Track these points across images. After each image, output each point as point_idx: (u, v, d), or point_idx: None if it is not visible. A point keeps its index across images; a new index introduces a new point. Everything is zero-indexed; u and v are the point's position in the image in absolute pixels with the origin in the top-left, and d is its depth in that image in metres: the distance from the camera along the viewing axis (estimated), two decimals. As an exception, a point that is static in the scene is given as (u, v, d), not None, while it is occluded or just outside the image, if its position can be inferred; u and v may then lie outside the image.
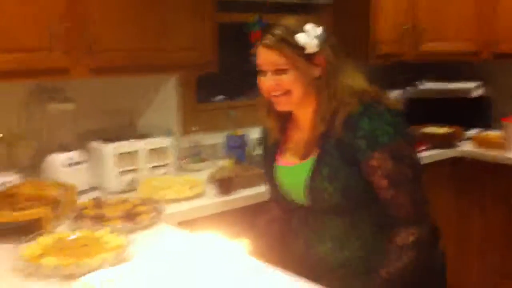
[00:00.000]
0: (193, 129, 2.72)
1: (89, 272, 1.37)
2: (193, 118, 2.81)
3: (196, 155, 2.68)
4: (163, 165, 2.36)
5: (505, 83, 3.46)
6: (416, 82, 3.45)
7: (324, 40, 1.50)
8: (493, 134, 3.19)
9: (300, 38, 1.48)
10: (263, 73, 1.53)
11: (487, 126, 3.34)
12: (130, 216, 1.79)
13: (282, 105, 1.56)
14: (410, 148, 1.52)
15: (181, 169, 2.55)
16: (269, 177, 1.69)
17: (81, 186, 2.14)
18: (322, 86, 1.50)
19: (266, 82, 1.52)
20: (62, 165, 2.16)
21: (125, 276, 1.25)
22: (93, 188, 2.27)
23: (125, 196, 2.04)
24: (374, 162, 1.44)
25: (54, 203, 1.81)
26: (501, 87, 3.40)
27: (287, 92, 1.51)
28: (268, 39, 1.50)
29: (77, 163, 2.20)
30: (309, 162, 1.54)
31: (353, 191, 1.49)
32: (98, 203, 1.90)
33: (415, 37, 3.21)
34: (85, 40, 2.03)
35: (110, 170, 2.22)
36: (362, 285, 1.47)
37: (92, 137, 2.33)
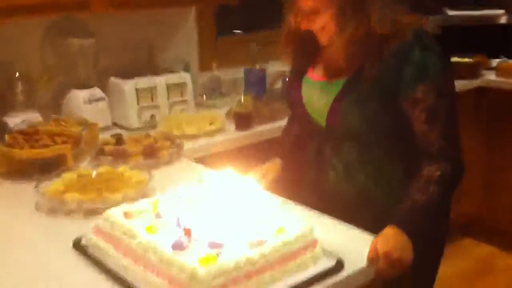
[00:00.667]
0: (213, 64, 2.69)
1: (111, 207, 1.40)
2: (212, 52, 2.79)
3: (215, 91, 2.68)
4: (182, 101, 2.37)
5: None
6: (442, 9, 3.35)
7: None
8: (519, 63, 3.11)
9: None
10: None
11: (512, 54, 3.26)
12: (151, 151, 1.81)
13: (309, 25, 1.50)
14: (452, 83, 1.50)
15: (200, 105, 2.55)
16: (295, 92, 1.65)
17: (101, 123, 2.16)
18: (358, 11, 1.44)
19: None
20: (83, 101, 2.18)
21: (147, 210, 1.28)
22: (114, 125, 2.29)
23: (145, 132, 2.06)
24: (418, 94, 1.41)
25: (76, 140, 1.84)
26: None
27: (317, 13, 1.46)
28: None
29: (98, 99, 2.21)
30: (340, 83, 1.51)
31: (378, 122, 1.47)
32: (119, 139, 1.92)
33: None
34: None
35: (130, 106, 2.23)
36: (374, 216, 1.47)
37: (112, 73, 2.33)
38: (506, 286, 2.89)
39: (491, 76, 3.12)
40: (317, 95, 1.57)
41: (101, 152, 1.84)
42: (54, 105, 2.23)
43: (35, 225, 1.44)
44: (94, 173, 1.65)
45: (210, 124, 2.18)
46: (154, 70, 2.39)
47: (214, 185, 1.36)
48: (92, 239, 1.27)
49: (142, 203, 1.32)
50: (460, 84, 2.98)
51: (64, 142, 1.78)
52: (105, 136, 2.02)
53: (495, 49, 3.27)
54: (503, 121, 3.06)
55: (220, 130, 2.18)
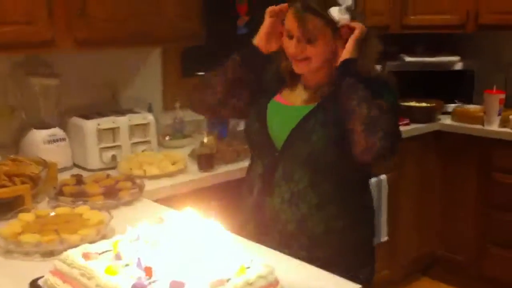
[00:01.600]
0: (176, 104, 2.70)
1: (70, 248, 1.37)
2: (176, 92, 2.80)
3: (178, 131, 2.68)
4: (145, 141, 2.36)
5: (489, 56, 3.47)
6: (399, 55, 3.45)
7: (354, 13, 1.58)
8: (473, 107, 3.22)
9: (334, 12, 1.54)
10: (291, 36, 1.59)
11: (468, 100, 3.37)
12: (111, 192, 1.79)
13: (300, 69, 1.63)
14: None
15: (162, 145, 2.55)
16: (257, 110, 1.72)
17: (62, 163, 2.14)
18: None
19: (291, 47, 1.59)
20: (43, 141, 2.15)
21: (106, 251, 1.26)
22: (74, 166, 2.27)
23: (106, 172, 2.04)
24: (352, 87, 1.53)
25: (35, 181, 1.81)
26: (485, 61, 3.42)
27: (308, 59, 1.59)
28: (303, 8, 1.55)
29: (58, 139, 2.19)
30: (308, 107, 1.62)
31: (339, 148, 1.55)
32: (78, 180, 1.90)
33: (400, 9, 3.23)
34: (71, 9, 2.02)
35: (91, 146, 2.21)
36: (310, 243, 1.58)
37: (74, 113, 2.32)
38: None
39: (447, 121, 3.21)
40: (281, 117, 1.65)
41: (60, 193, 1.81)
42: (14, 144, 2.19)
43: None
44: (52, 214, 1.62)
45: (173, 164, 2.17)
46: (117, 110, 2.39)
47: (174, 225, 1.35)
48: (49, 280, 1.23)
49: (102, 244, 1.30)
50: (418, 128, 3.08)
51: (23, 183, 1.75)
52: (64, 176, 1.99)
53: (451, 95, 3.38)
54: (459, 161, 3.15)
55: (182, 171, 2.18)
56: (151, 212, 1.76)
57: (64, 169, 2.15)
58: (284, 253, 1.45)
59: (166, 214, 1.67)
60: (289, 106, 1.68)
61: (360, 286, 1.24)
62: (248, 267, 1.18)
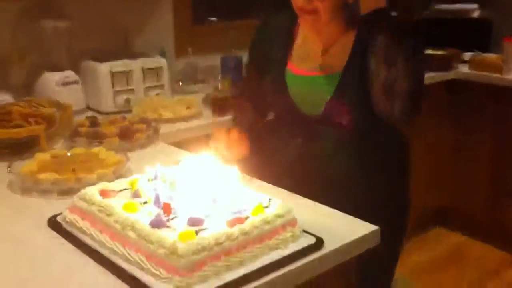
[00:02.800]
0: (189, 50, 2.67)
1: (87, 187, 1.38)
2: (188, 39, 2.76)
3: (191, 77, 2.66)
4: (158, 86, 2.34)
5: (507, 4, 3.39)
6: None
7: None
8: (491, 56, 3.16)
9: None
10: None
11: (485, 48, 3.30)
12: (126, 134, 1.79)
13: (309, 26, 1.56)
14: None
15: (176, 91, 2.53)
16: (277, 83, 1.63)
17: (75, 106, 2.12)
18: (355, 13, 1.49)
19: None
20: (56, 84, 2.14)
21: (123, 189, 1.26)
22: (88, 109, 2.26)
23: (121, 115, 2.03)
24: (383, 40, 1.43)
25: (50, 121, 1.80)
26: (503, 8, 3.33)
27: (315, 12, 1.48)
28: None
29: (72, 82, 2.18)
30: (335, 76, 1.55)
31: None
32: (94, 122, 1.89)
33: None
34: None
35: (105, 89, 2.20)
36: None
37: (87, 56, 2.30)
38: (477, 275, 2.94)
39: (464, 69, 3.16)
40: (311, 88, 1.59)
41: (76, 134, 1.80)
42: (27, 87, 2.18)
43: (8, 205, 1.41)
44: (68, 154, 1.62)
45: (187, 109, 2.16)
46: (129, 54, 2.36)
47: (191, 166, 1.35)
48: (68, 216, 1.24)
49: (119, 183, 1.30)
50: (434, 76, 3.03)
51: (37, 123, 1.75)
52: (79, 119, 1.99)
53: (468, 43, 3.32)
54: (475, 112, 3.11)
55: (197, 115, 2.17)
56: (167, 154, 1.77)
57: (78, 112, 2.14)
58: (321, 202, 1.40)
59: (182, 156, 1.68)
60: (310, 76, 1.59)
61: (376, 227, 1.24)
62: (266, 206, 1.18)
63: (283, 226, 1.15)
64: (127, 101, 2.23)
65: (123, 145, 1.74)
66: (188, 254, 1.00)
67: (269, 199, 1.20)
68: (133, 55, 2.35)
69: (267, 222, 1.12)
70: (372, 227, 1.24)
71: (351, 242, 1.19)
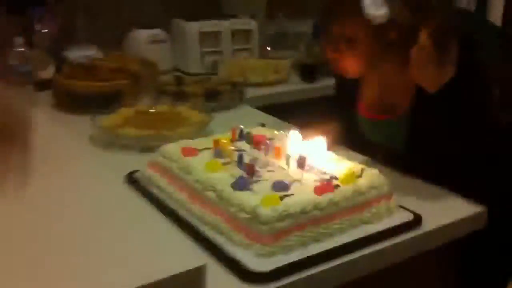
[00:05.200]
0: (280, 14, 2.56)
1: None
2: (280, 2, 2.65)
3: (281, 42, 2.55)
4: (247, 49, 2.26)
5: None
6: None
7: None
8: None
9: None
10: None
11: None
12: (211, 94, 1.72)
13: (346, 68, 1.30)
14: None
15: (264, 55, 2.43)
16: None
17: (163, 65, 2.08)
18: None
19: None
20: (145, 42, 2.10)
21: (205, 148, 1.19)
22: (174, 69, 2.21)
23: (207, 76, 1.97)
24: None
25: (136, 77, 1.76)
26: None
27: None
28: None
29: (160, 40, 2.13)
30: None
31: None
32: (179, 81, 1.84)
33: None
34: None
35: (193, 50, 2.14)
36: None
37: (177, 15, 2.24)
38: None
39: None
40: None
41: (161, 92, 1.76)
42: (116, 43, 2.16)
43: (89, 158, 1.36)
44: (152, 111, 1.57)
45: (274, 73, 2.06)
46: (219, 15, 2.29)
47: (278, 130, 1.25)
48: (146, 173, 1.19)
49: (202, 141, 1.23)
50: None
51: (123, 79, 1.71)
52: (165, 77, 1.94)
53: None
54: None
55: (284, 80, 2.07)
56: (251, 117, 1.69)
57: (165, 72, 2.10)
58: None
59: (267, 120, 1.60)
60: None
61: (483, 208, 1.10)
62: (359, 176, 1.06)
63: (377, 199, 1.03)
64: (214, 62, 2.16)
65: (207, 106, 1.67)
66: (271, 221, 0.91)
67: (362, 168, 1.09)
68: (223, 16, 2.27)
69: (359, 192, 1.01)
70: (479, 208, 1.09)
71: (453, 223, 1.05)
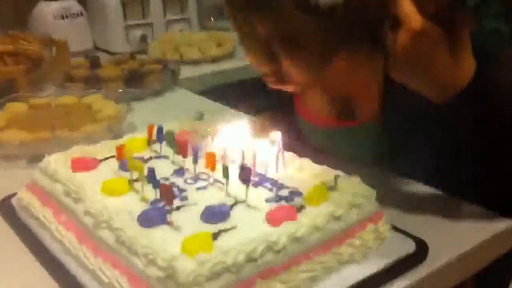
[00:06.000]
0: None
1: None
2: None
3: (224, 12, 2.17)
4: (183, 19, 1.87)
5: None
6: None
7: None
8: None
9: None
10: None
11: None
12: (133, 77, 1.34)
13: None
14: None
15: (206, 28, 2.05)
16: None
17: (78, 45, 1.69)
18: None
19: None
20: (53, 16, 1.70)
21: (110, 157, 0.82)
22: (96, 49, 1.82)
23: (129, 53, 1.58)
24: None
25: (36, 61, 1.37)
26: None
27: None
28: None
29: (73, 14, 1.73)
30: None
31: None
32: (94, 62, 1.45)
33: None
34: None
35: (114, 23, 1.74)
36: None
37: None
38: None
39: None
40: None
41: (68, 78, 1.37)
42: (19, 22, 1.75)
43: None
44: (52, 105, 1.19)
45: (217, 47, 1.69)
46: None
47: (218, 123, 0.89)
48: (24, 199, 0.81)
49: (106, 146, 0.86)
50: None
51: (17, 64, 1.31)
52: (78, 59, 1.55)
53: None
54: None
55: (229, 56, 1.70)
56: (187, 106, 1.32)
57: (82, 53, 1.70)
58: None
59: (207, 108, 1.24)
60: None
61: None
62: (332, 188, 0.71)
63: (362, 223, 0.69)
64: (143, 38, 1.77)
65: (128, 92, 1.30)
66: (197, 282, 0.55)
67: (336, 176, 0.74)
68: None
69: (335, 216, 0.66)
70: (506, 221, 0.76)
71: (475, 249, 0.71)
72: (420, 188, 0.86)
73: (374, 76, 0.86)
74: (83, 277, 0.66)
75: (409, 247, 0.70)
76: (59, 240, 0.71)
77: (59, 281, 0.66)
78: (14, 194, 0.85)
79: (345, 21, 0.75)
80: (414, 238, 0.71)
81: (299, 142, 1.00)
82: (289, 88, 0.87)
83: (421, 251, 0.69)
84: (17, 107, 1.16)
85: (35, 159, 0.97)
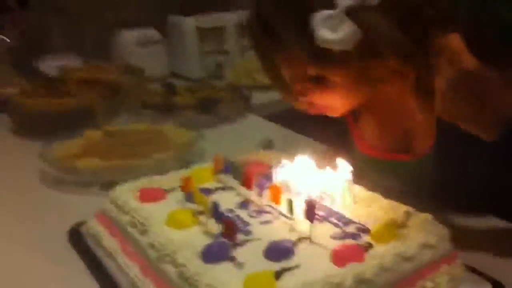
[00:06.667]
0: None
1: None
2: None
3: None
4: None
5: None
6: None
7: None
8: None
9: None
10: None
11: None
12: (206, 104, 1.35)
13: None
14: None
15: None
16: None
17: (156, 71, 1.73)
18: None
19: None
20: (132, 44, 1.75)
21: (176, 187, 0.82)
22: (172, 75, 1.85)
23: (204, 81, 1.60)
24: None
25: (113, 90, 1.41)
26: None
27: None
28: None
29: (152, 42, 1.78)
30: None
31: None
32: (169, 89, 1.48)
33: None
34: None
35: (191, 50, 1.77)
36: None
37: (172, 9, 1.88)
38: None
39: None
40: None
41: (144, 105, 1.40)
42: (99, 49, 1.81)
43: (33, 201, 1.02)
44: (126, 131, 1.22)
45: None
46: (222, 6, 1.91)
47: (285, 152, 0.87)
48: (93, 227, 0.82)
49: (173, 176, 0.86)
50: None
51: (95, 92, 1.36)
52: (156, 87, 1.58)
53: None
54: None
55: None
56: (257, 132, 1.31)
57: (158, 79, 1.74)
58: None
59: (277, 135, 1.23)
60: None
61: None
62: (402, 225, 0.68)
63: (435, 264, 0.64)
64: (219, 64, 1.79)
65: (201, 120, 1.31)
66: (255, 324, 0.53)
67: (407, 212, 0.70)
68: (227, 7, 1.89)
69: (406, 257, 0.62)
70: None
71: None
72: (491, 222, 0.80)
73: (429, 111, 0.82)
74: (145, 310, 0.66)
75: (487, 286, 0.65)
76: (124, 271, 0.72)
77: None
78: (84, 222, 0.87)
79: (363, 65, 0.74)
80: (489, 279, 0.66)
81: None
82: (330, 113, 0.86)
83: (500, 293, 0.64)
84: (93, 135, 1.19)
85: (107, 186, 1.00)
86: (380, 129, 0.94)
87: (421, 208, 0.70)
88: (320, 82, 0.79)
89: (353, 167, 0.75)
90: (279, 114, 1.51)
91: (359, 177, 0.78)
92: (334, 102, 0.83)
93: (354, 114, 0.98)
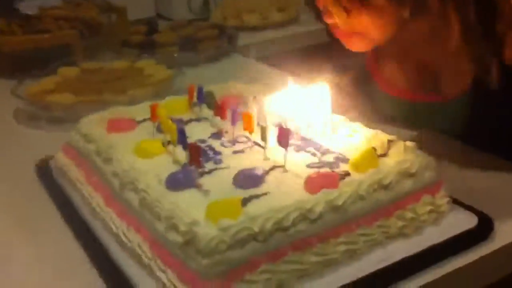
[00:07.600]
0: None
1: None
2: None
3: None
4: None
5: None
6: None
7: None
8: None
9: None
10: None
11: None
12: (188, 43, 1.29)
13: None
14: None
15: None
16: None
17: (140, 12, 1.66)
18: None
19: None
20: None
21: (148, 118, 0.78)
22: (158, 17, 1.78)
23: (187, 19, 1.53)
24: None
25: (94, 28, 1.35)
26: None
27: None
28: None
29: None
30: None
31: None
32: (151, 28, 1.42)
33: None
34: None
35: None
36: None
37: None
38: None
39: None
40: None
41: (125, 44, 1.34)
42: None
43: (5, 138, 0.98)
44: (104, 70, 1.16)
45: (279, 12, 1.61)
46: None
47: (268, 86, 0.82)
48: (59, 160, 0.78)
49: (145, 107, 0.81)
50: None
51: (72, 28, 1.30)
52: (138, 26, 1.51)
53: None
54: None
55: (292, 21, 1.61)
56: (242, 72, 1.26)
57: (144, 20, 1.66)
58: None
59: (263, 73, 1.18)
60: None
61: None
62: (383, 154, 0.64)
63: (416, 194, 0.60)
64: (205, 3, 1.72)
65: (182, 58, 1.25)
66: (217, 249, 0.49)
67: (390, 140, 0.65)
68: None
69: (383, 185, 0.58)
70: None
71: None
72: (492, 161, 0.76)
73: (461, 51, 0.76)
74: (107, 240, 0.62)
75: (471, 222, 0.61)
76: (88, 201, 0.68)
77: (84, 247, 0.63)
78: (49, 158, 0.83)
79: None
80: (477, 212, 0.62)
81: (369, 110, 0.93)
82: (358, 45, 0.80)
83: (485, 227, 0.60)
84: (69, 72, 1.14)
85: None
86: (408, 70, 0.90)
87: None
88: (364, 3, 0.73)
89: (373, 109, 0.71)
90: (268, 56, 1.46)
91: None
92: (372, 28, 0.77)
93: (376, 54, 0.93)
